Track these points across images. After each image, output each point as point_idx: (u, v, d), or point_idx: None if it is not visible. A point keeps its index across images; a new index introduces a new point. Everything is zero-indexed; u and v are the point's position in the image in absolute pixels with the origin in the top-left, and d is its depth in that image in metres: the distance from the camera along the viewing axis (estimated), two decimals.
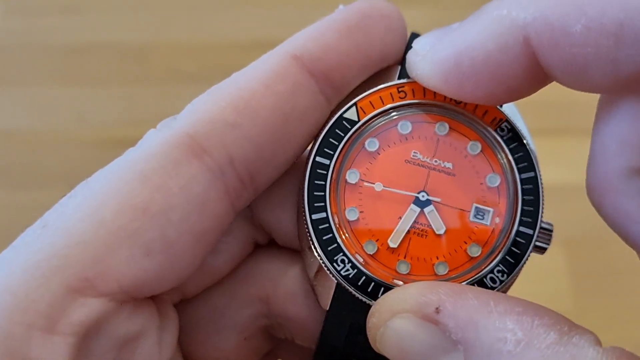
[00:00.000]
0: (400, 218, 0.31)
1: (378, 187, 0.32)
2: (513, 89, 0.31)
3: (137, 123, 0.63)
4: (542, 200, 0.32)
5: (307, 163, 0.31)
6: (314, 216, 0.31)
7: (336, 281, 0.31)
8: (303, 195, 0.31)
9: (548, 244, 0.32)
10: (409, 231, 0.31)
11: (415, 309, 0.29)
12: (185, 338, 0.33)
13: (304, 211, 0.31)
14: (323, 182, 0.31)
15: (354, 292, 0.31)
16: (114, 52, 0.73)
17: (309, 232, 0.31)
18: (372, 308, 0.29)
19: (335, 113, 0.32)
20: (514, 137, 0.32)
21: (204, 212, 0.29)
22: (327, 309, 0.32)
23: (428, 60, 0.32)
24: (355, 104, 0.32)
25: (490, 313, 0.28)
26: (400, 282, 0.31)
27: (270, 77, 0.31)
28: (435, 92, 0.33)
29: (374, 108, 0.32)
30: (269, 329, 0.34)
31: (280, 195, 0.33)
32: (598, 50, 0.28)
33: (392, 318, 0.29)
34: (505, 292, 0.31)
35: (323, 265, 0.31)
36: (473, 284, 0.30)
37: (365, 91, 0.32)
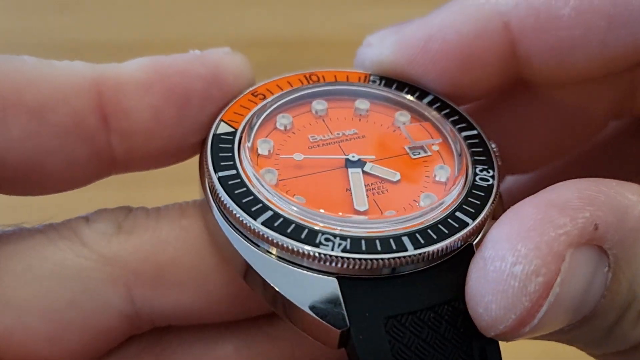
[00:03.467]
0: (349, 189, 0.28)
1: (301, 159, 0.28)
2: (480, 80, 0.30)
3: None
4: (446, 99, 0.30)
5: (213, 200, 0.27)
6: (261, 218, 0.26)
7: (335, 276, 0.25)
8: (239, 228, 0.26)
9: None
10: (367, 195, 0.28)
11: (579, 237, 0.23)
12: None
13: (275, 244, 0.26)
14: (239, 184, 0.27)
15: (365, 259, 0.25)
16: (111, 51, 0.72)
17: (259, 237, 0.26)
18: (511, 267, 0.23)
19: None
20: (389, 82, 0.31)
21: None
22: (348, 324, 0.25)
23: (390, 43, 0.30)
24: (221, 119, 0.29)
25: (618, 198, 0.24)
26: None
27: (52, 99, 0.26)
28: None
29: (242, 116, 0.29)
30: None
31: (173, 274, 0.28)
32: (587, 32, 0.28)
33: (562, 263, 0.23)
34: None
35: (305, 258, 0.25)
36: (469, 191, 0.27)
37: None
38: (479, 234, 0.27)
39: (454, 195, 0.27)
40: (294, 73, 0.31)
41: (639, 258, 0.24)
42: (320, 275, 0.25)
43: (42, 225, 0.29)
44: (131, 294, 0.27)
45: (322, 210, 0.26)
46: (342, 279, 0.25)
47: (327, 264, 0.25)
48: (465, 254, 0.26)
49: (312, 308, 0.25)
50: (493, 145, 0.30)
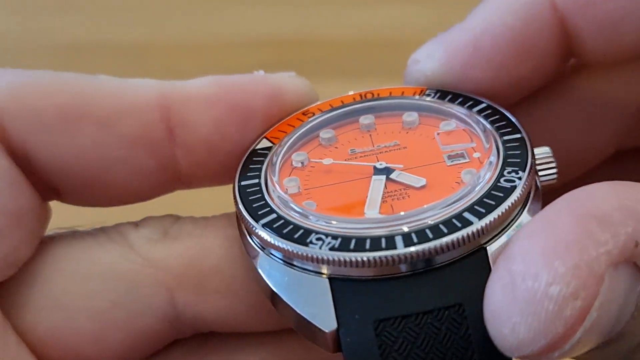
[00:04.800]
0: (368, 195, 0.27)
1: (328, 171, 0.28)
2: (538, 67, 0.29)
3: None
4: (512, 115, 0.29)
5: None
6: (263, 220, 0.26)
7: (327, 277, 0.25)
8: (240, 211, 0.27)
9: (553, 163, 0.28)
10: (385, 200, 0.27)
11: (620, 255, 0.21)
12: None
13: (250, 228, 0.26)
14: (257, 190, 0.28)
15: (353, 258, 0.24)
16: (111, 51, 0.72)
17: (260, 240, 0.26)
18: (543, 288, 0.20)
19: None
20: (443, 95, 0.30)
21: (15, 188, 0.26)
22: (335, 326, 0.24)
23: (439, 55, 0.29)
24: (264, 137, 0.29)
25: None
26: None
27: (121, 110, 0.28)
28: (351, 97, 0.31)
29: (285, 133, 0.30)
30: None
31: (217, 281, 0.28)
32: (633, 1, 0.27)
33: (601, 285, 0.21)
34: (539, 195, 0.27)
35: (294, 258, 0.25)
36: (490, 194, 0.26)
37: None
38: (494, 238, 0.25)
39: (468, 195, 0.26)
40: (350, 93, 0.31)
41: None
42: (312, 276, 0.25)
43: (94, 229, 0.29)
44: (174, 297, 0.28)
45: (325, 213, 0.26)
46: (334, 280, 0.25)
47: (315, 263, 0.25)
48: (476, 258, 0.25)
49: (303, 309, 0.25)
50: (546, 150, 0.28)
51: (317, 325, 0.24)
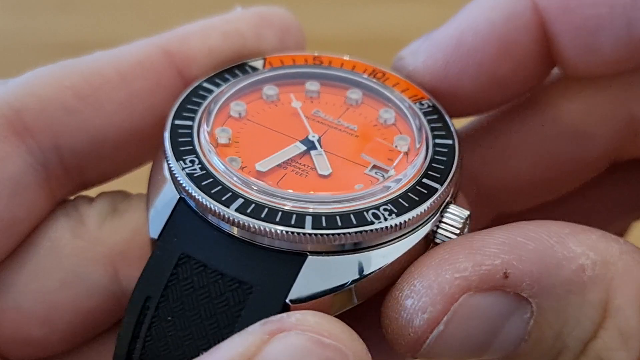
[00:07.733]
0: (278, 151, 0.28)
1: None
2: (519, 67, 0.29)
3: None
4: (457, 165, 0.28)
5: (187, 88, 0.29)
6: (177, 121, 0.28)
7: (179, 195, 0.26)
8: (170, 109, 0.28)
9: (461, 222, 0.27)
10: (285, 167, 0.27)
11: (481, 282, 0.23)
12: None
13: (167, 120, 0.27)
14: (200, 102, 0.28)
15: (199, 197, 0.25)
16: None
17: (163, 139, 0.27)
18: (405, 303, 0.24)
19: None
20: (434, 111, 0.30)
21: (16, 198, 0.26)
22: (156, 237, 0.26)
23: (424, 50, 0.29)
24: (264, 58, 0.30)
25: (554, 248, 0.24)
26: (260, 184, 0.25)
27: (130, 68, 0.29)
28: (355, 64, 0.31)
29: (283, 64, 0.30)
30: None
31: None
32: (612, 10, 0.27)
33: (452, 304, 0.23)
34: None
35: (166, 165, 0.26)
36: (348, 214, 0.25)
37: None
38: (322, 253, 0.25)
39: (339, 203, 0.26)
40: (367, 63, 0.31)
41: (571, 310, 0.24)
42: (172, 189, 0.26)
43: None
44: (118, 274, 0.28)
45: (221, 152, 0.27)
46: (182, 202, 0.26)
47: (175, 182, 0.26)
48: (294, 259, 0.25)
49: (150, 208, 0.27)
50: (463, 214, 0.28)
51: (148, 226, 0.27)
